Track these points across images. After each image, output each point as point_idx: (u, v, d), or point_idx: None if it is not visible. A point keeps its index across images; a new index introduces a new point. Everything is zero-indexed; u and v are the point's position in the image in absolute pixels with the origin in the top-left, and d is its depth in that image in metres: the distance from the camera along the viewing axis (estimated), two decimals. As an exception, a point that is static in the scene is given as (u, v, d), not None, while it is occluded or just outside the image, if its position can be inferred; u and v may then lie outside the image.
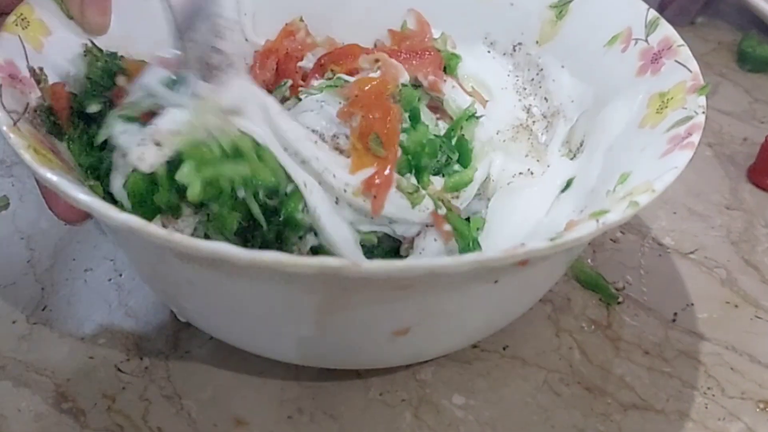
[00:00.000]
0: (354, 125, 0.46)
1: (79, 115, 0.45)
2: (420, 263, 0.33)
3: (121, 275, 0.52)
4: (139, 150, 0.40)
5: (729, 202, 0.62)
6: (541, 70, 0.54)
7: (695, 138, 0.40)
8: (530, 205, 0.50)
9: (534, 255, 0.34)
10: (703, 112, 0.42)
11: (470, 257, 0.33)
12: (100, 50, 0.48)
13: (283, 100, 0.53)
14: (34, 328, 0.49)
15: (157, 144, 0.40)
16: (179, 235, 0.33)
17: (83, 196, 0.35)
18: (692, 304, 0.54)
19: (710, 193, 0.63)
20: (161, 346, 0.48)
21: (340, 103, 0.47)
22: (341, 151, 0.46)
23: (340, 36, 0.58)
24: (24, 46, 0.45)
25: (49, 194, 0.42)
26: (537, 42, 0.55)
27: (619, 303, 0.53)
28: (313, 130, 0.46)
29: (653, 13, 0.49)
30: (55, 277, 0.52)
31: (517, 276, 0.39)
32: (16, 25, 0.45)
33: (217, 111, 0.41)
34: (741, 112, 0.72)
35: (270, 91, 0.55)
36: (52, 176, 0.36)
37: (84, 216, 0.42)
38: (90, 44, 0.48)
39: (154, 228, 0.33)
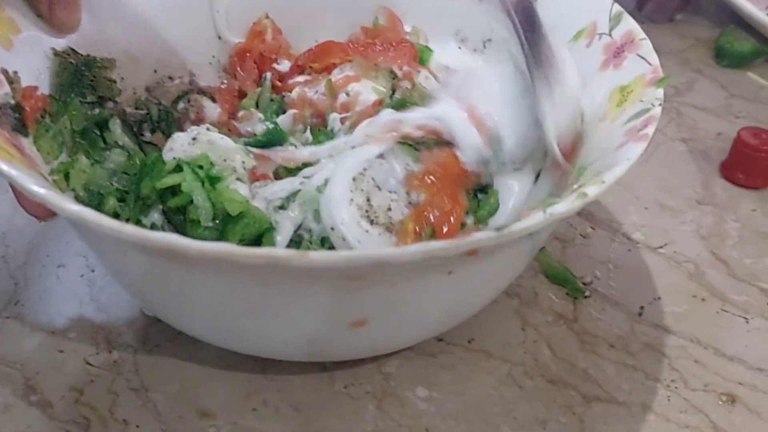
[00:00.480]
0: (416, 201, 0.47)
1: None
2: (366, 253, 0.33)
3: (93, 271, 0.53)
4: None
5: (701, 196, 0.63)
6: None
7: (650, 130, 0.41)
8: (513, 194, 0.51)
9: (481, 245, 0.34)
10: (660, 104, 0.42)
11: (416, 247, 0.33)
12: (69, 54, 0.49)
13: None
14: (6, 322, 0.49)
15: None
16: (131, 227, 0.33)
17: (37, 188, 0.36)
18: (659, 298, 0.54)
19: (682, 188, 0.63)
20: (130, 340, 0.49)
21: (407, 165, 0.48)
22: (387, 227, 0.46)
23: (312, 34, 0.59)
24: (-8, 45, 0.45)
25: (19, 191, 0.43)
26: (505, 38, 0.55)
27: (586, 297, 0.54)
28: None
29: (617, 8, 0.50)
30: (28, 272, 0.53)
31: (471, 267, 0.39)
32: None
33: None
34: (716, 108, 0.72)
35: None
36: (9, 169, 0.37)
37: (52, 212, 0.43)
38: (56, 50, 0.48)
39: (106, 220, 0.34)
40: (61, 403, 0.45)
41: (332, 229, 0.44)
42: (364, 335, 0.42)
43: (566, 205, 0.37)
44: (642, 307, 0.53)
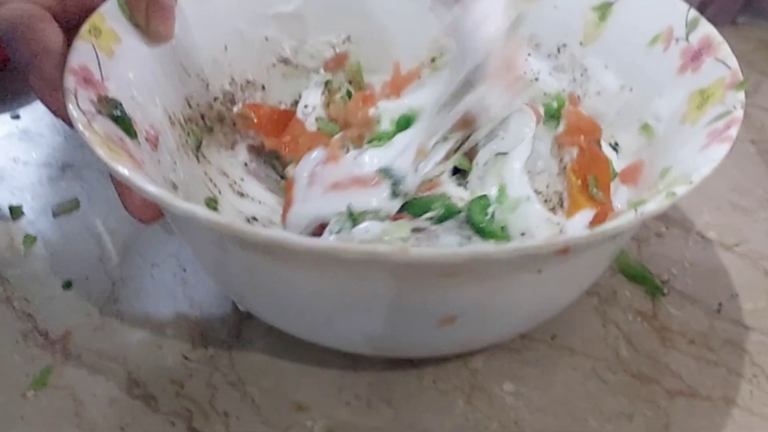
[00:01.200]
0: (568, 159, 0.49)
1: None
2: (464, 250, 0.35)
3: (185, 270, 0.55)
4: None
5: (772, 196, 0.63)
6: (586, 70, 0.56)
7: (733, 131, 0.41)
8: None
9: (574, 243, 0.36)
10: (742, 107, 0.43)
11: (512, 245, 0.35)
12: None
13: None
14: (106, 319, 0.51)
15: None
16: (240, 222, 0.35)
17: (151, 188, 0.38)
18: (737, 295, 0.55)
19: (753, 188, 0.64)
20: (224, 336, 0.51)
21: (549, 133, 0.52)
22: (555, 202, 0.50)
23: (391, 53, 0.61)
24: (97, 53, 0.48)
25: (124, 194, 0.45)
26: (581, 43, 0.56)
27: (664, 295, 0.55)
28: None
29: (693, 13, 0.51)
30: (124, 272, 0.55)
31: (560, 266, 0.41)
32: (90, 33, 0.48)
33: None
34: (783, 109, 0.73)
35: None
36: (123, 170, 0.39)
37: (157, 214, 0.45)
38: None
39: (215, 216, 0.36)
40: (163, 396, 0.47)
41: (523, 234, 0.46)
42: (452, 333, 0.44)
43: (656, 204, 0.38)
44: (720, 304, 0.54)
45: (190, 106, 0.55)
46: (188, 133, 0.55)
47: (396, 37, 0.62)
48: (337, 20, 0.62)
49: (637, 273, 0.55)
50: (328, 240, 0.35)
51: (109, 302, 0.53)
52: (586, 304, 0.53)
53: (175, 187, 0.49)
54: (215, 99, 0.58)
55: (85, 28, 0.48)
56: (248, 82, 0.60)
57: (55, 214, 0.59)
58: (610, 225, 0.36)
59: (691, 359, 0.50)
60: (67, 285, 0.53)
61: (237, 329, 0.51)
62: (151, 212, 0.45)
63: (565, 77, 0.58)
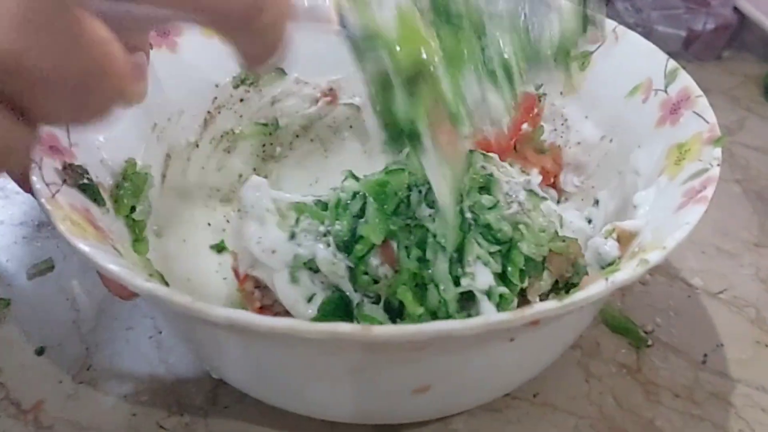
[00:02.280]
0: None
1: None
2: (429, 327, 0.34)
3: (160, 332, 0.54)
4: None
5: (758, 239, 0.63)
6: (566, 120, 0.55)
7: (709, 192, 0.41)
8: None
9: (544, 315, 0.35)
10: (718, 165, 0.43)
11: (479, 320, 0.34)
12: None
13: None
14: (80, 387, 0.51)
15: None
16: (200, 303, 0.35)
17: (111, 266, 0.37)
18: (722, 345, 0.54)
19: (739, 230, 0.63)
20: (200, 402, 0.50)
21: None
22: None
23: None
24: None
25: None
26: (561, 93, 0.56)
27: (648, 346, 0.54)
28: None
29: (672, 63, 0.50)
30: (98, 336, 0.54)
31: (533, 333, 0.40)
32: None
33: None
34: (768, 146, 0.72)
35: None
36: (84, 247, 0.38)
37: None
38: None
39: (177, 296, 0.35)
40: (137, 467, 0.46)
41: None
42: (427, 400, 0.43)
43: (628, 273, 0.37)
44: (705, 355, 0.53)
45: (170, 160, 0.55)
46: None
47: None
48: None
49: (621, 325, 0.55)
50: (288, 320, 0.34)
51: (83, 368, 0.52)
52: (568, 357, 0.53)
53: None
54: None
55: None
56: (227, 132, 0.60)
57: (29, 277, 0.58)
58: (579, 296, 0.36)
59: (676, 414, 0.50)
60: (40, 351, 0.53)
61: (212, 394, 0.50)
62: (127, 289, 0.44)
63: (546, 127, 0.57)
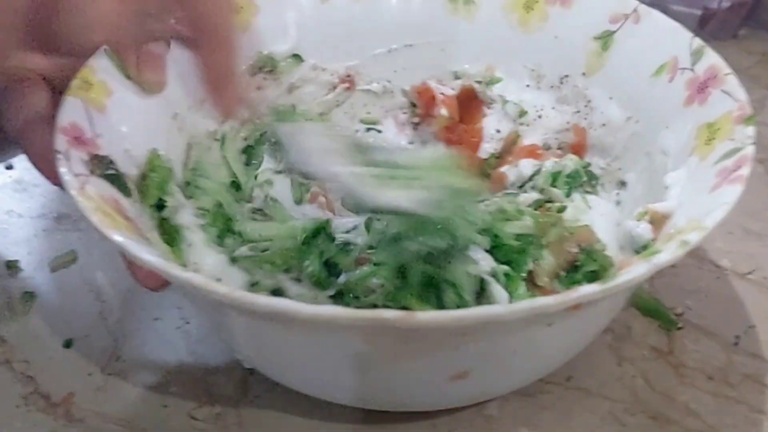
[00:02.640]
0: None
1: None
2: (472, 312, 0.33)
3: (188, 323, 0.53)
4: None
5: (784, 218, 0.62)
6: (589, 101, 0.55)
7: (744, 171, 0.40)
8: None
9: (586, 299, 0.34)
10: (752, 143, 0.42)
11: (523, 305, 0.34)
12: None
13: None
14: (109, 379, 0.50)
15: None
16: (240, 292, 0.34)
17: (148, 256, 0.37)
18: (754, 326, 0.54)
19: (764, 210, 0.63)
20: (231, 392, 0.49)
21: None
22: None
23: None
24: (87, 109, 0.46)
25: (130, 261, 0.44)
26: (584, 74, 0.55)
27: (679, 329, 0.53)
28: None
29: (698, 42, 0.50)
30: (126, 327, 0.53)
31: (572, 318, 0.39)
32: (80, 88, 0.47)
33: None
34: (791, 125, 0.71)
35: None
36: (118, 237, 0.38)
37: (165, 281, 0.43)
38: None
39: (215, 286, 0.35)
40: (170, 459, 0.46)
41: None
42: (464, 387, 0.42)
43: (669, 254, 0.37)
44: (737, 336, 0.53)
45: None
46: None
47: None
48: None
49: (651, 307, 0.54)
50: (331, 307, 0.33)
51: (111, 360, 0.51)
52: (600, 341, 0.52)
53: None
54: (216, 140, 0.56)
55: (75, 82, 0.47)
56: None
57: (52, 269, 0.57)
58: (622, 279, 0.35)
59: (710, 397, 0.49)
60: (68, 344, 0.52)
61: (243, 384, 0.50)
62: (158, 280, 0.43)
63: (569, 109, 0.56)
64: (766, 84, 0.77)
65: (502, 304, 0.36)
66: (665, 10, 0.60)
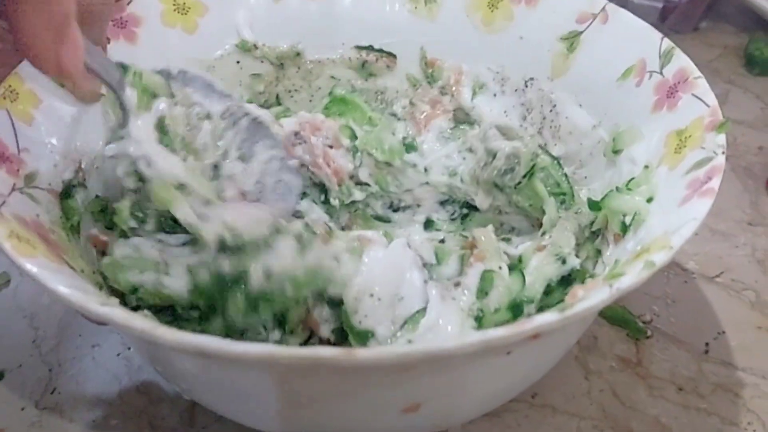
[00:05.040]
0: None
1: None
2: (418, 348, 0.31)
3: (129, 348, 0.50)
4: None
5: (751, 217, 0.60)
6: (555, 106, 0.52)
7: (715, 183, 0.38)
8: None
9: (543, 330, 0.32)
10: (723, 152, 0.40)
11: (474, 338, 0.31)
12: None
13: None
14: (44, 413, 0.47)
15: None
16: (163, 329, 0.31)
17: (62, 288, 0.34)
18: (723, 332, 0.52)
19: (730, 209, 0.61)
20: (176, 423, 0.46)
21: None
22: None
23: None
24: (13, 122, 0.43)
25: None
26: (549, 77, 0.52)
27: (648, 337, 0.51)
28: None
29: (668, 43, 0.47)
30: (61, 355, 0.50)
31: (533, 345, 0.37)
32: (5, 98, 0.43)
33: None
34: (754, 120, 0.70)
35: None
36: (31, 267, 0.35)
37: None
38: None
39: (138, 321, 0.32)
40: (110, 500, 0.43)
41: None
42: (418, 418, 0.39)
43: (633, 278, 0.34)
44: (707, 344, 0.51)
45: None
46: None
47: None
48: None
49: (618, 315, 0.52)
50: (263, 346, 0.30)
51: (46, 393, 0.48)
52: (566, 354, 0.50)
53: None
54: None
55: None
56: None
57: (-17, 294, 0.54)
58: (582, 306, 0.33)
59: (681, 409, 0.47)
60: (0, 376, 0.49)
61: (188, 414, 0.47)
62: None
63: (534, 115, 0.53)
64: (728, 78, 0.75)
65: (450, 339, 0.33)
66: (625, 4, 0.58)
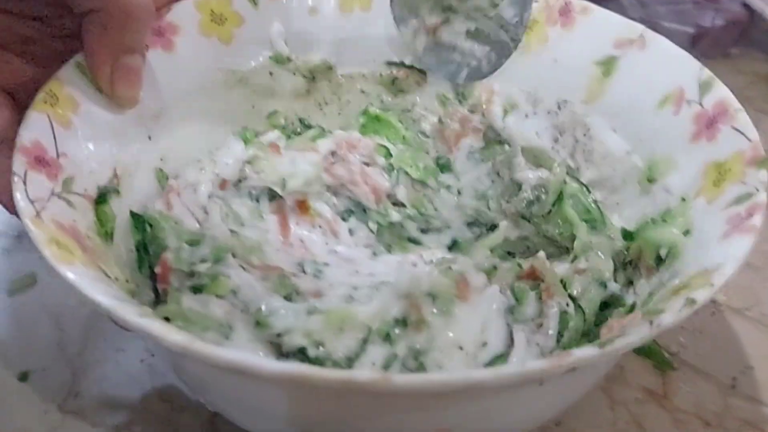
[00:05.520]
0: None
1: None
2: (456, 377, 0.31)
3: (153, 355, 0.50)
4: None
5: (782, 251, 0.60)
6: (588, 130, 0.52)
7: (757, 220, 0.37)
8: None
9: (582, 363, 0.32)
10: (766, 190, 0.39)
11: (512, 369, 0.31)
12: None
13: None
14: (67, 417, 0.46)
15: None
16: (199, 344, 0.31)
17: (100, 297, 0.34)
18: (752, 367, 0.51)
19: (762, 241, 0.60)
20: (198, 433, 0.46)
21: None
22: None
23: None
24: (52, 125, 0.43)
25: None
26: (583, 101, 0.52)
27: (674, 369, 0.51)
28: None
29: (707, 73, 0.47)
30: (86, 359, 0.50)
31: (565, 378, 0.36)
32: (45, 102, 0.43)
33: None
34: (786, 151, 0.69)
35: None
36: (71, 275, 0.35)
37: None
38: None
39: (174, 335, 0.32)
40: None
41: None
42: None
43: (673, 315, 0.34)
44: (734, 378, 0.50)
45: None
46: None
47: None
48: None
49: (645, 346, 0.51)
50: (298, 365, 0.30)
51: (70, 396, 0.48)
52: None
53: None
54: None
55: (40, 96, 0.44)
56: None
57: (9, 293, 0.53)
58: (622, 342, 0.32)
59: (707, 445, 0.47)
60: (23, 377, 0.48)
61: (211, 424, 0.46)
62: None
63: (567, 137, 0.53)
64: (759, 106, 0.74)
65: (488, 369, 0.33)
66: (656, 27, 0.57)
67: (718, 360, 0.51)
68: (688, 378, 0.50)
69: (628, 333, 0.33)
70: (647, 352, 0.51)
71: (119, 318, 0.33)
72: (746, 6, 0.83)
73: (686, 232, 0.42)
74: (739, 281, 0.57)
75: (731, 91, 0.45)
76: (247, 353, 0.31)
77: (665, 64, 0.48)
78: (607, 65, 0.51)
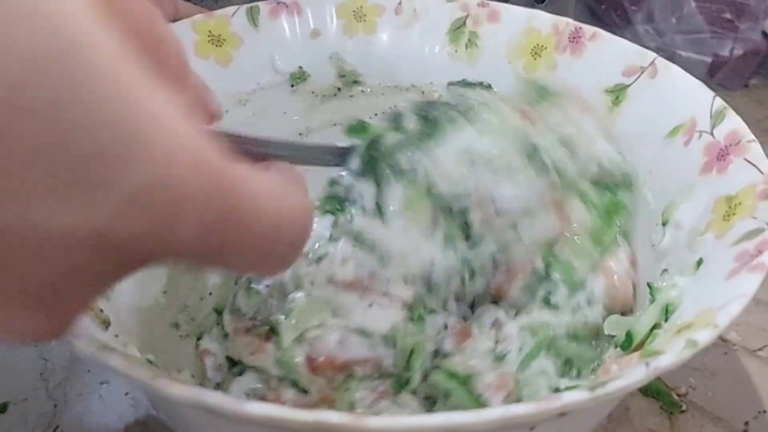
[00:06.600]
0: None
1: None
2: (433, 421, 0.28)
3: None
4: None
5: (798, 288, 0.57)
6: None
7: (766, 258, 0.35)
8: None
9: (572, 408, 0.29)
10: None
11: (497, 412, 0.28)
12: None
13: None
14: (45, 452, 0.45)
15: None
16: (163, 381, 0.29)
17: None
18: (765, 411, 0.48)
19: (776, 279, 0.58)
20: (180, 471, 0.44)
21: None
22: None
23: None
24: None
25: None
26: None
27: (682, 411, 0.48)
28: None
29: (719, 102, 0.44)
30: (68, 391, 0.48)
31: (558, 422, 0.34)
32: None
33: None
34: (805, 185, 0.67)
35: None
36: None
37: None
38: None
39: (138, 371, 0.30)
40: None
41: None
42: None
43: (673, 357, 0.31)
44: (746, 423, 0.48)
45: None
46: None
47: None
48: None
49: (652, 386, 0.49)
50: (267, 406, 0.28)
51: (49, 430, 0.46)
52: (595, 428, 0.47)
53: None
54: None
55: None
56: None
57: (-6, 320, 0.52)
58: (615, 385, 0.30)
59: (717, 495, 0.44)
60: (3, 408, 0.47)
61: (194, 461, 0.44)
62: None
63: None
64: (779, 138, 0.72)
65: (470, 411, 0.31)
66: (673, 57, 0.56)
67: (730, 403, 0.49)
68: (697, 421, 0.48)
69: (623, 375, 0.31)
70: (655, 392, 0.49)
71: (89, 357, 0.31)
72: (766, 35, 0.81)
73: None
74: (753, 320, 0.54)
75: (749, 123, 0.43)
76: (214, 394, 0.29)
77: (677, 94, 0.46)
78: (617, 94, 0.49)
